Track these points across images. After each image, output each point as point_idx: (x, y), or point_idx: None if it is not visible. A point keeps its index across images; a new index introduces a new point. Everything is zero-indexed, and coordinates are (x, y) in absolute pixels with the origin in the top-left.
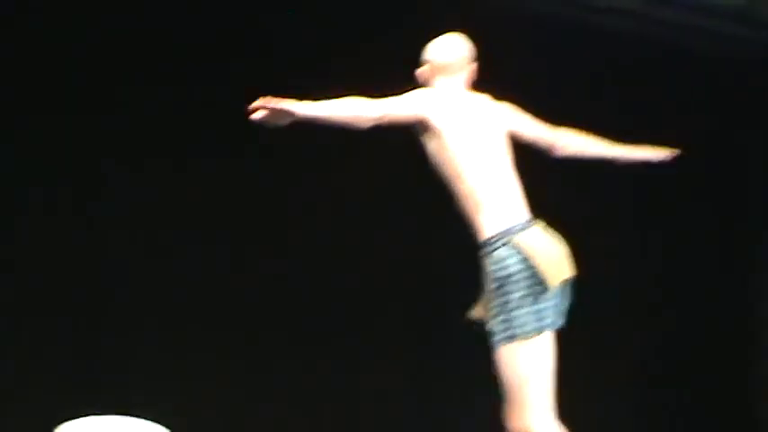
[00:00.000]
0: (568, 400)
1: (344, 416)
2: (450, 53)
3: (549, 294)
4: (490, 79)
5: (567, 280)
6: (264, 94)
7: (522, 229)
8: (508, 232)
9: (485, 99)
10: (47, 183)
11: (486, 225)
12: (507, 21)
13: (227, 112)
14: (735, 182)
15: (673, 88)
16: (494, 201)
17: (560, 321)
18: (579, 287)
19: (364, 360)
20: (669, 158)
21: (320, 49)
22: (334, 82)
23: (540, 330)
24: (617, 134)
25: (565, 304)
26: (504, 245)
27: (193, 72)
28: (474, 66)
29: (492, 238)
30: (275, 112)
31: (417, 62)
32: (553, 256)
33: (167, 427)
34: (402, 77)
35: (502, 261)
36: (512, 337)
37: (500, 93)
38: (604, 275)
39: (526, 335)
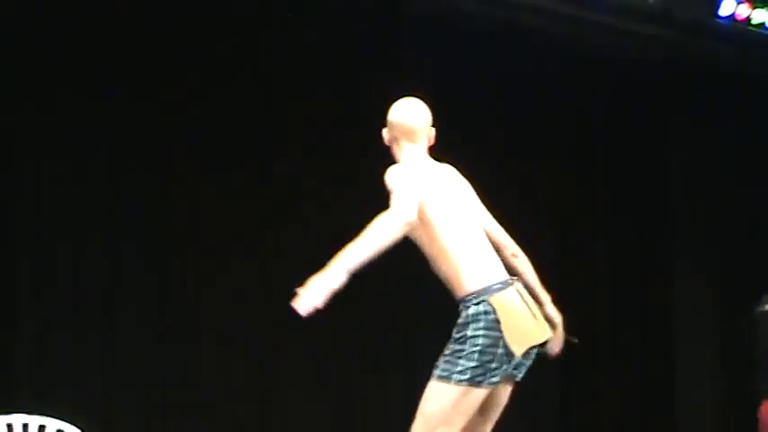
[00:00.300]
0: None
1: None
2: (415, 118)
3: (505, 359)
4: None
5: (533, 347)
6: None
7: (500, 289)
8: (485, 292)
9: (450, 168)
10: None
11: (466, 284)
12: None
13: None
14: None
15: (585, 87)
16: (472, 261)
17: (514, 374)
18: None
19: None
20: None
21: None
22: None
23: (474, 384)
24: (527, 129)
25: (525, 364)
26: (479, 303)
27: None
28: (433, 130)
29: (469, 294)
30: (317, 294)
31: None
32: (524, 322)
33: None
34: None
35: (474, 317)
36: (447, 378)
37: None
38: None
39: (459, 383)
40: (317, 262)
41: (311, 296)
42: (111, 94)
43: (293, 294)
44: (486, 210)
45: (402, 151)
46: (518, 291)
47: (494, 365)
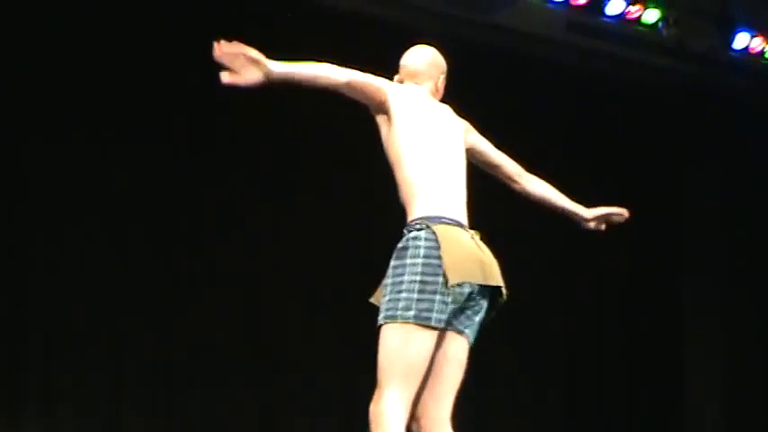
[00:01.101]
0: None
1: None
2: (418, 60)
3: (445, 289)
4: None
5: (483, 288)
6: None
7: (449, 224)
8: (433, 219)
9: (449, 109)
10: None
11: (416, 209)
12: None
13: None
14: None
15: (601, 118)
16: (431, 192)
17: (459, 326)
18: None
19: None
20: (625, 217)
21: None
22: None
23: (421, 321)
24: (544, 161)
25: (476, 315)
26: (422, 228)
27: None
28: (442, 77)
29: (415, 220)
30: (244, 65)
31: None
32: (466, 257)
33: None
34: None
35: (413, 240)
36: (392, 318)
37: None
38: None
39: (406, 320)
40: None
41: (230, 49)
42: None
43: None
44: (491, 145)
45: None
46: (472, 237)
47: (438, 298)
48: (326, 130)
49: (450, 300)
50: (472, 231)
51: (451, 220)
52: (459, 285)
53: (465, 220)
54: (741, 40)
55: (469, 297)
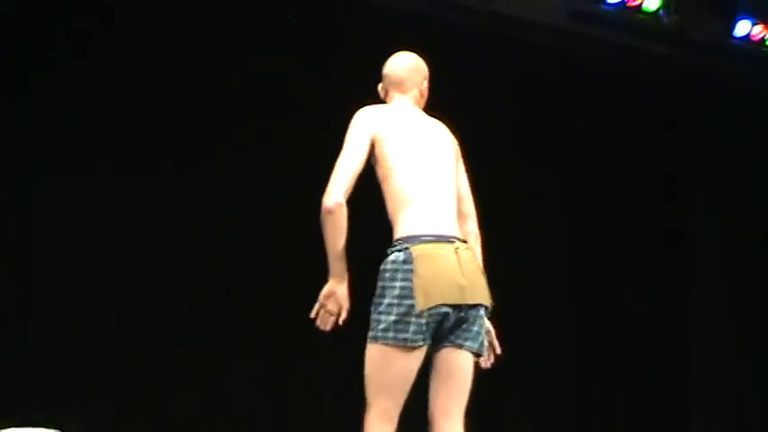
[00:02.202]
0: None
1: None
2: (402, 68)
3: (419, 312)
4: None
5: (456, 306)
6: None
7: (430, 242)
8: (413, 239)
9: (436, 121)
10: None
11: (399, 228)
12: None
13: None
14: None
15: (600, 106)
16: (414, 208)
17: (457, 341)
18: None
19: None
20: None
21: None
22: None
23: (399, 342)
24: (543, 148)
25: (472, 326)
26: (402, 250)
27: None
28: (426, 83)
29: (397, 239)
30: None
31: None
32: (440, 279)
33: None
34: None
35: (392, 264)
36: (374, 339)
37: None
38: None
39: (385, 341)
40: None
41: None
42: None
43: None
44: (467, 180)
45: (392, 102)
46: (457, 252)
47: (413, 320)
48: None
49: (425, 321)
50: (458, 244)
51: (433, 235)
52: (432, 309)
53: (452, 231)
54: (742, 28)
55: (456, 313)
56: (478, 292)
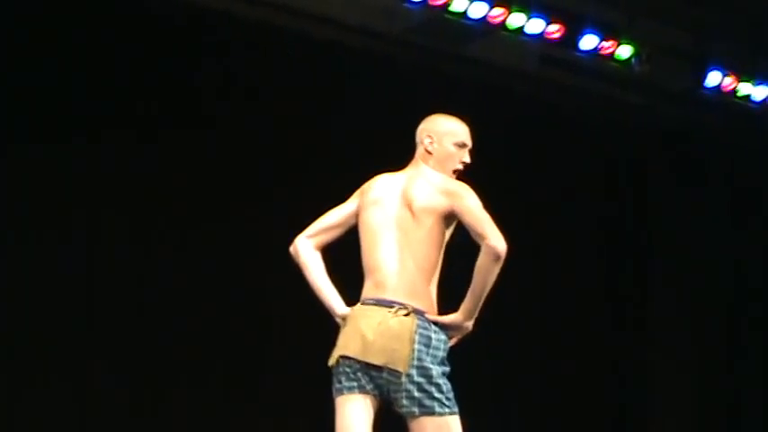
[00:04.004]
0: None
1: None
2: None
3: (331, 365)
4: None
5: (365, 365)
6: None
7: (369, 305)
8: (361, 302)
9: (411, 172)
10: None
11: (362, 291)
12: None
13: None
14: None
15: (568, 154)
16: (367, 275)
17: (407, 410)
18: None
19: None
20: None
21: None
22: None
23: (338, 393)
24: (514, 193)
25: (400, 392)
26: (348, 311)
27: None
28: (428, 140)
29: (355, 303)
30: None
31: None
32: (348, 335)
33: None
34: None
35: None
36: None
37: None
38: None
39: (333, 395)
40: None
41: None
42: None
43: None
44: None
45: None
46: (386, 315)
47: (339, 370)
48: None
49: (349, 371)
50: (397, 308)
51: (374, 299)
52: (341, 359)
53: (395, 297)
54: (713, 78)
55: (372, 374)
56: (384, 354)
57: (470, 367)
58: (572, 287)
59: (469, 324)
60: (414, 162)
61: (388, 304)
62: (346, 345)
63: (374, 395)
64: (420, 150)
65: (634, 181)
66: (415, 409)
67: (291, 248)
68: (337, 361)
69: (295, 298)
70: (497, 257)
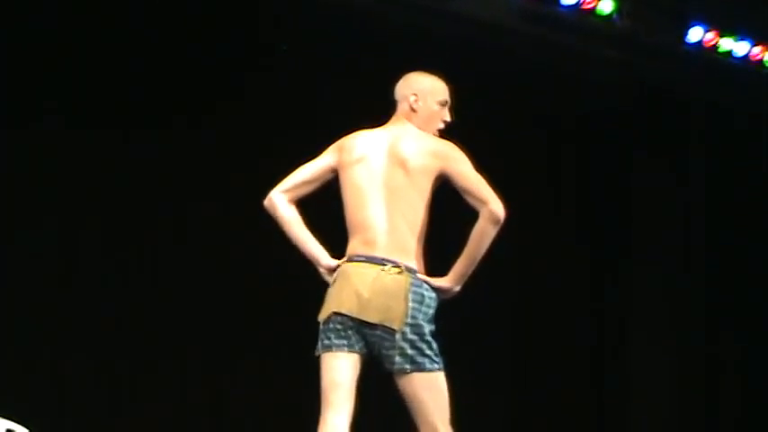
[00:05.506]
0: None
1: None
2: (397, 86)
3: (322, 320)
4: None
5: (360, 322)
6: None
7: (359, 262)
8: (348, 259)
9: (398, 129)
10: None
11: (347, 247)
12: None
13: None
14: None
15: (549, 108)
16: (354, 232)
17: (396, 367)
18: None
19: None
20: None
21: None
22: None
23: (325, 350)
24: (494, 151)
25: (391, 350)
26: (336, 269)
27: None
28: (414, 97)
29: (341, 259)
30: None
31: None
32: (342, 292)
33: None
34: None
35: (332, 281)
36: (317, 350)
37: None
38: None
39: (317, 352)
40: None
41: None
42: None
43: None
44: (465, 176)
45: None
46: (380, 273)
47: (330, 326)
48: None
49: (339, 328)
50: (388, 267)
51: (363, 256)
52: (334, 316)
53: (385, 254)
54: (695, 34)
55: (366, 331)
56: (380, 311)
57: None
58: (547, 238)
59: (458, 288)
60: (396, 119)
61: (380, 262)
62: (341, 302)
63: (361, 354)
64: (404, 108)
65: (614, 136)
66: (408, 366)
67: (267, 202)
68: (329, 317)
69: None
70: (497, 222)
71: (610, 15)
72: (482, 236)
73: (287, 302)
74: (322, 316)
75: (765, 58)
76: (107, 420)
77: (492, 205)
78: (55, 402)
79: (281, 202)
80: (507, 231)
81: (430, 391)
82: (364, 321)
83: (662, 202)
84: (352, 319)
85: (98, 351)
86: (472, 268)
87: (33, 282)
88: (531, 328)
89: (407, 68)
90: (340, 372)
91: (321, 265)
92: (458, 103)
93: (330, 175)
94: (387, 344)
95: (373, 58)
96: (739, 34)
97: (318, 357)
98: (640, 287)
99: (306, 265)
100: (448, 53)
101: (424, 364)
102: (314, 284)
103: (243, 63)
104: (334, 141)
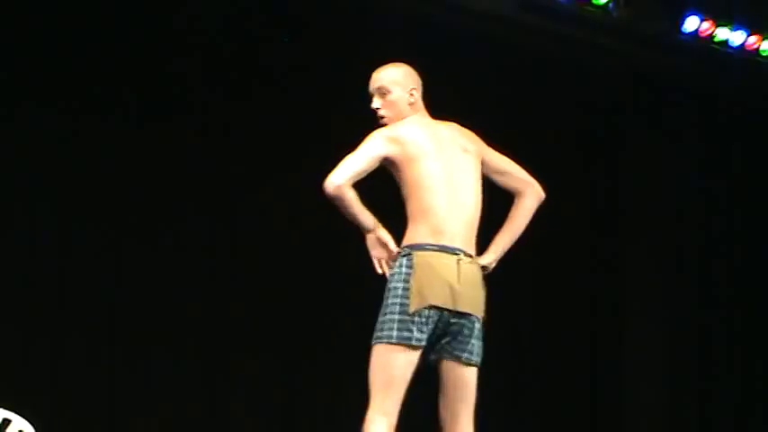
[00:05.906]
0: None
1: None
2: (387, 76)
3: (411, 311)
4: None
5: (449, 312)
6: None
7: (434, 251)
8: (418, 247)
9: (452, 127)
10: None
11: (407, 237)
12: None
13: None
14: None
15: (546, 97)
16: (423, 221)
17: (455, 352)
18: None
19: None
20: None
21: None
22: None
23: (402, 341)
24: (495, 141)
25: (468, 337)
26: (406, 255)
27: None
28: (414, 90)
29: (406, 247)
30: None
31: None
32: (434, 283)
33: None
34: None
35: (398, 268)
36: (379, 339)
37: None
38: None
39: (389, 340)
40: None
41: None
42: None
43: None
44: (501, 158)
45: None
46: (459, 263)
47: (416, 319)
48: None
49: (423, 321)
50: (462, 256)
51: (435, 245)
52: (426, 309)
53: (458, 244)
54: (691, 23)
55: (450, 320)
56: (472, 301)
57: None
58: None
59: (494, 264)
60: (423, 112)
61: (453, 251)
62: (434, 294)
63: (423, 349)
64: (419, 101)
65: (609, 125)
66: (474, 358)
67: (334, 191)
68: (420, 309)
69: None
70: (542, 200)
71: (606, 5)
72: (528, 213)
73: (287, 302)
74: (415, 307)
75: (761, 48)
76: (107, 420)
77: (537, 185)
78: (55, 402)
79: (350, 192)
80: (500, 221)
81: (474, 387)
82: (452, 311)
83: (658, 192)
84: (441, 310)
85: (98, 351)
86: (511, 245)
87: (33, 281)
88: (524, 318)
89: (405, 58)
90: (410, 369)
91: (373, 233)
92: (453, 92)
93: (377, 165)
94: (466, 332)
95: (372, 47)
96: (735, 24)
97: (377, 345)
98: (634, 279)
99: (306, 265)
100: (447, 43)
101: (480, 359)
102: (315, 284)
103: (243, 60)
104: (332, 130)
